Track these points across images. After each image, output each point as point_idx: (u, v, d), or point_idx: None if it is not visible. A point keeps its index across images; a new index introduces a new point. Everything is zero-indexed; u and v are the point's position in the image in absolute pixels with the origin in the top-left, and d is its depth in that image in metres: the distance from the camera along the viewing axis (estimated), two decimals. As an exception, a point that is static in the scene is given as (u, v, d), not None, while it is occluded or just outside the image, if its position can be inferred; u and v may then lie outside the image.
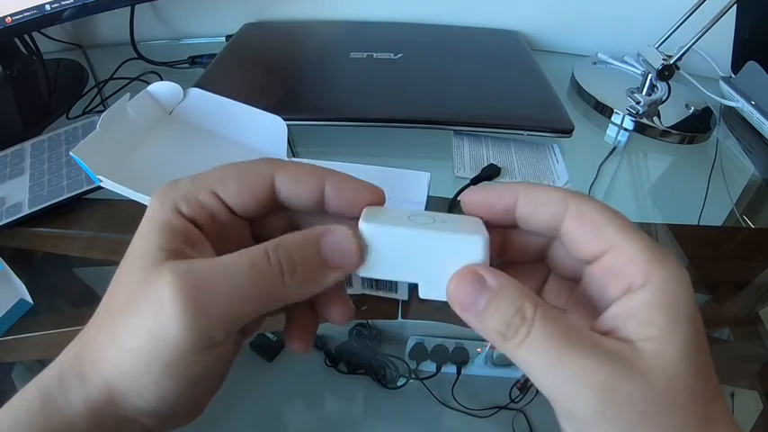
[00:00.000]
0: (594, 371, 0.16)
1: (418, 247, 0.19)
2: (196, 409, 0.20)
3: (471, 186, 0.21)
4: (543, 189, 0.20)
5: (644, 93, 0.62)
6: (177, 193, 0.20)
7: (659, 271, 0.17)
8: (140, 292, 0.18)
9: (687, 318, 0.17)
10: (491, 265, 0.19)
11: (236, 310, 0.18)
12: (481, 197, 0.21)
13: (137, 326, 0.17)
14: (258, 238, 0.23)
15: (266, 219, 0.22)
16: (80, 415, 0.18)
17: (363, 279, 0.21)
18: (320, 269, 0.19)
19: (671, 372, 0.17)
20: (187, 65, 0.71)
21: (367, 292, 0.22)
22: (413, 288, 0.20)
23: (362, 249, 0.19)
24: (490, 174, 0.51)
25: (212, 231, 0.20)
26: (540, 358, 0.17)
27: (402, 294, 0.23)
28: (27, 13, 0.57)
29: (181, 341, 0.17)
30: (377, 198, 0.21)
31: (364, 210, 0.21)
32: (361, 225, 0.20)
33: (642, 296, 0.17)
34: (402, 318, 0.42)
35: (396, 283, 0.23)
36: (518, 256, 0.23)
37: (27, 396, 0.18)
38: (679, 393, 0.17)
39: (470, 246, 0.19)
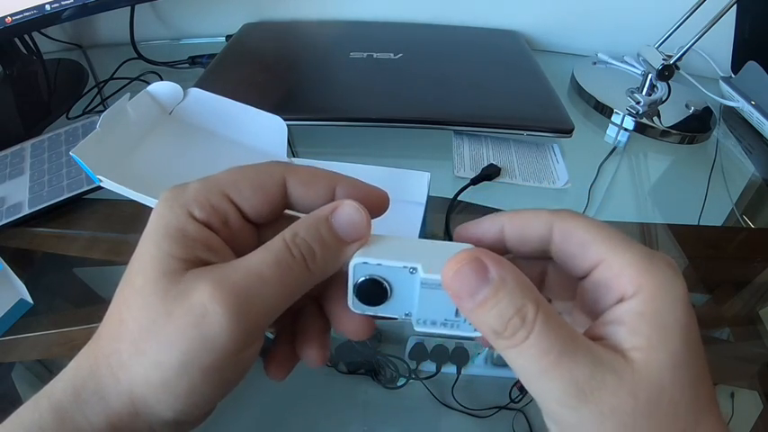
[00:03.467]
0: (586, 382, 0.16)
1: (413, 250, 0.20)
2: (210, 413, 0.20)
3: (462, 225, 0.22)
4: (527, 214, 0.21)
5: (644, 93, 0.62)
6: (187, 197, 0.20)
7: (649, 280, 0.18)
8: (169, 307, 0.18)
9: (676, 327, 0.17)
10: None
11: (272, 308, 0.19)
12: (471, 232, 0.22)
13: (173, 340, 0.17)
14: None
15: (272, 224, 0.22)
16: (99, 430, 0.18)
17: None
18: (338, 247, 0.20)
19: (655, 384, 0.17)
20: (187, 65, 0.71)
21: (369, 312, 0.21)
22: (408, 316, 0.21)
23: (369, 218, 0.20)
24: (490, 174, 0.51)
25: (226, 238, 0.20)
26: (535, 364, 0.17)
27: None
28: (27, 13, 0.57)
29: (228, 347, 0.17)
30: (383, 203, 0.22)
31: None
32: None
33: (631, 305, 0.18)
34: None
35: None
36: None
37: (39, 409, 0.18)
38: (663, 407, 0.17)
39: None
